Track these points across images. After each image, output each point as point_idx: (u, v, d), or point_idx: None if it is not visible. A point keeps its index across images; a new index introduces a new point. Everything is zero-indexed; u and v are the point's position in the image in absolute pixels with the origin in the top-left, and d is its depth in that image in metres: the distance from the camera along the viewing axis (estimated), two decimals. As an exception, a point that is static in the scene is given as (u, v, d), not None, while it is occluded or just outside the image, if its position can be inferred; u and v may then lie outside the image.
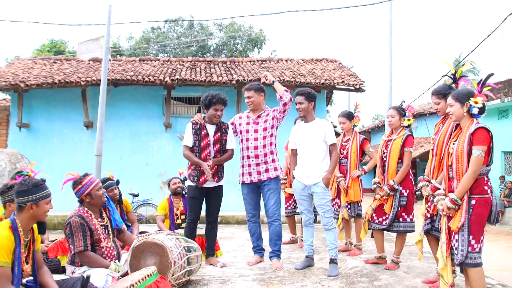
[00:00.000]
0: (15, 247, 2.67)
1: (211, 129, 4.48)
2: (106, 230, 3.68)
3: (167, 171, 10.57)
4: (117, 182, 4.93)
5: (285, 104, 4.48)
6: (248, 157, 4.55)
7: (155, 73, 10.79)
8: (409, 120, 4.50)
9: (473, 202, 3.09)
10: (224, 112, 4.55)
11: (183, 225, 5.31)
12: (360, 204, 5.22)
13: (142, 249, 3.51)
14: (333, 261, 4.25)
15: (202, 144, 4.44)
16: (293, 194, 5.32)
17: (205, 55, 26.48)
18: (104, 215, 3.76)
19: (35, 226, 2.93)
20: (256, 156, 4.51)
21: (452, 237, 3.17)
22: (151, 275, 2.89)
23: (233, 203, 9.84)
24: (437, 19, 69.79)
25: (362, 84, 10.66)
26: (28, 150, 10.83)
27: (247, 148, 4.55)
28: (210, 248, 4.68)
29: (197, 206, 4.54)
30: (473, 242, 3.06)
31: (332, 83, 10.58)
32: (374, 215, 4.50)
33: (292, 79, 10.48)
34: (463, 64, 3.85)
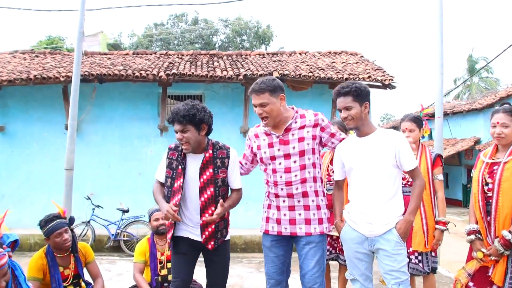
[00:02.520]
0: None
1: (193, 162, 2.90)
2: None
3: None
4: (71, 221, 3.33)
5: None
6: (277, 195, 2.91)
7: (149, 67, 9.22)
8: None
9: None
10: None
11: (170, 277, 3.70)
12: (436, 254, 3.60)
13: None
14: None
15: (175, 185, 2.87)
16: (328, 235, 3.72)
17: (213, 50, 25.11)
18: None
19: None
20: (290, 196, 2.87)
21: None
22: None
23: (240, 219, 8.29)
24: (449, 11, 67.69)
25: (392, 80, 9.08)
26: (3, 157, 9.42)
27: (275, 183, 2.91)
28: None
29: (185, 269, 2.94)
30: None
31: (356, 78, 8.95)
32: (471, 284, 2.84)
33: (310, 74, 8.85)
34: None
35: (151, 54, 11.06)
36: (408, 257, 3.57)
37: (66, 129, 9.18)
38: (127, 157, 9.46)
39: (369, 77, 8.97)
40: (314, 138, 2.87)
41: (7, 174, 9.42)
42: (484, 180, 2.87)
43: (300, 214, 2.85)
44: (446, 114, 19.04)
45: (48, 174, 9.11)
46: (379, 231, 2.69)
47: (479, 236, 2.88)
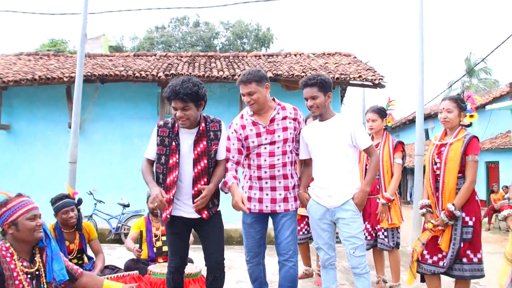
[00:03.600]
0: None
1: (187, 137, 2.96)
2: (33, 282, 2.47)
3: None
4: (79, 202, 3.71)
5: None
6: (260, 178, 3.20)
7: (148, 68, 9.61)
8: (472, 116, 3.22)
9: None
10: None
11: (165, 248, 4.09)
12: (399, 231, 3.97)
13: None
14: None
15: (170, 161, 2.93)
16: (305, 216, 4.08)
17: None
18: (37, 259, 2.55)
19: None
20: (272, 177, 3.20)
21: None
22: None
23: (237, 214, 8.61)
24: (445, 15, 68.02)
25: (382, 79, 9.42)
26: (7, 155, 9.79)
27: (258, 167, 3.19)
28: None
29: (180, 247, 3.07)
30: None
31: (347, 78, 9.32)
32: (425, 252, 3.19)
33: (303, 74, 9.21)
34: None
35: (151, 56, 11.44)
36: (376, 233, 3.94)
37: (69, 127, 9.59)
38: (127, 155, 9.79)
39: (360, 76, 9.32)
40: (295, 129, 3.23)
41: (13, 171, 9.78)
42: (433, 160, 3.23)
43: (280, 194, 3.19)
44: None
45: (52, 171, 9.43)
46: (338, 202, 3.03)
47: (430, 209, 3.24)
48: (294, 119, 3.23)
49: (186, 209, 2.98)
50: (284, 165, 3.19)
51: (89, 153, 9.53)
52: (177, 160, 2.91)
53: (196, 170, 2.92)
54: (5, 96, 9.72)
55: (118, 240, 8.56)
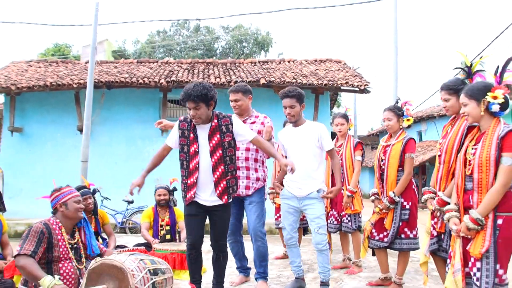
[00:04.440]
0: None
1: (202, 131, 3.42)
2: (73, 252, 3.24)
3: (163, 177, 10.09)
4: (94, 192, 4.50)
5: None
6: (238, 168, 3.82)
7: (151, 75, 10.38)
8: (408, 120, 3.96)
9: (499, 221, 2.51)
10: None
11: (168, 236, 4.94)
12: (361, 216, 4.71)
13: (100, 272, 3.02)
14: (324, 284, 3.75)
15: (191, 150, 3.42)
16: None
17: (211, 58, 26.12)
18: (76, 235, 3.34)
19: None
20: (247, 168, 3.96)
21: (471, 264, 2.57)
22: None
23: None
24: (447, 17, 68.74)
25: (367, 85, 10.14)
26: (20, 156, 10.52)
27: (237, 158, 3.81)
28: (218, 284, 3.64)
29: (195, 228, 3.52)
30: (501, 272, 2.48)
31: (335, 84, 10.06)
32: (373, 231, 3.96)
33: (294, 80, 9.98)
34: (481, 57, 3.30)
35: (153, 63, 12.20)
36: (341, 219, 4.68)
37: (78, 130, 10.40)
38: (131, 156, 10.57)
39: (347, 83, 10.06)
40: (259, 132, 3.96)
41: (26, 170, 10.52)
42: (380, 157, 3.99)
43: (242, 182, 3.94)
44: (433, 117, 20.12)
45: (61, 170, 10.16)
46: (305, 192, 3.77)
47: (378, 197, 3.99)
48: (262, 123, 4.03)
49: (203, 197, 3.44)
50: (247, 159, 3.97)
51: (96, 153, 10.25)
52: (197, 149, 3.39)
53: (213, 160, 3.38)
54: (18, 101, 10.47)
55: (123, 234, 9.29)
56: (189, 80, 9.90)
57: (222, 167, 3.40)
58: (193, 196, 3.42)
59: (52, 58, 14.13)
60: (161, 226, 4.99)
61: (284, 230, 3.96)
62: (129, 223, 9.37)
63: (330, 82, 10.07)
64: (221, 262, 3.62)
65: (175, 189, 5.40)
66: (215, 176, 3.40)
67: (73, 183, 7.48)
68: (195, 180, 3.39)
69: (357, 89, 10.27)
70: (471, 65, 3.16)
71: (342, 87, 10.24)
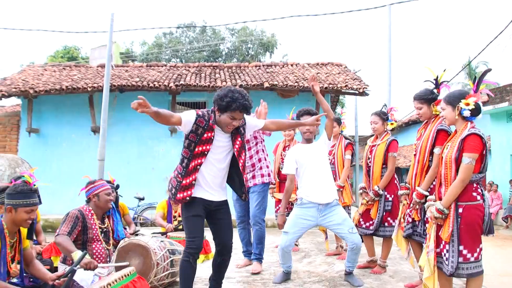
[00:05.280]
0: (0, 247, 2.82)
1: (222, 136, 3.23)
2: (103, 235, 3.83)
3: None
4: (117, 187, 5.10)
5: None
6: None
7: (160, 79, 10.97)
8: (392, 124, 4.52)
9: (460, 210, 2.92)
10: None
11: (180, 227, 5.47)
12: (350, 208, 5.26)
13: (127, 250, 3.63)
14: (349, 273, 4.08)
15: (196, 150, 3.14)
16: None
17: (216, 60, 26.66)
18: (106, 221, 3.94)
19: (23, 229, 3.07)
20: (253, 166, 4.56)
21: (442, 246, 3.04)
22: (128, 274, 2.99)
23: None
24: (444, 23, 68.92)
25: (366, 88, 10.65)
26: (37, 155, 11.11)
27: None
28: (218, 284, 3.45)
29: (201, 229, 3.23)
30: (465, 252, 2.90)
31: (335, 87, 10.60)
32: (361, 220, 4.54)
33: (296, 84, 10.54)
34: (444, 70, 3.84)
35: (162, 67, 12.80)
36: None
37: (92, 131, 11.03)
38: (142, 155, 11.20)
39: (346, 86, 10.59)
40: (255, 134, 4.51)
41: (41, 170, 11.00)
42: (367, 156, 4.55)
43: (257, 174, 4.56)
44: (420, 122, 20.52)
45: (75, 170, 10.66)
46: (329, 199, 3.93)
47: (365, 190, 4.55)
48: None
49: (210, 192, 3.24)
50: (250, 157, 4.58)
51: (109, 153, 10.81)
52: (206, 151, 3.14)
53: (241, 162, 3.28)
54: (35, 103, 11.06)
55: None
56: (197, 84, 10.49)
57: (242, 167, 3.32)
58: (187, 198, 3.16)
59: (65, 63, 14.71)
60: (174, 217, 5.59)
61: (285, 234, 4.00)
62: (140, 219, 9.95)
63: (330, 86, 10.60)
64: (226, 265, 3.45)
65: None
66: (244, 176, 3.35)
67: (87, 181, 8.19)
68: (192, 181, 3.15)
69: (356, 92, 10.79)
70: (437, 77, 3.72)
71: (342, 90, 10.77)
